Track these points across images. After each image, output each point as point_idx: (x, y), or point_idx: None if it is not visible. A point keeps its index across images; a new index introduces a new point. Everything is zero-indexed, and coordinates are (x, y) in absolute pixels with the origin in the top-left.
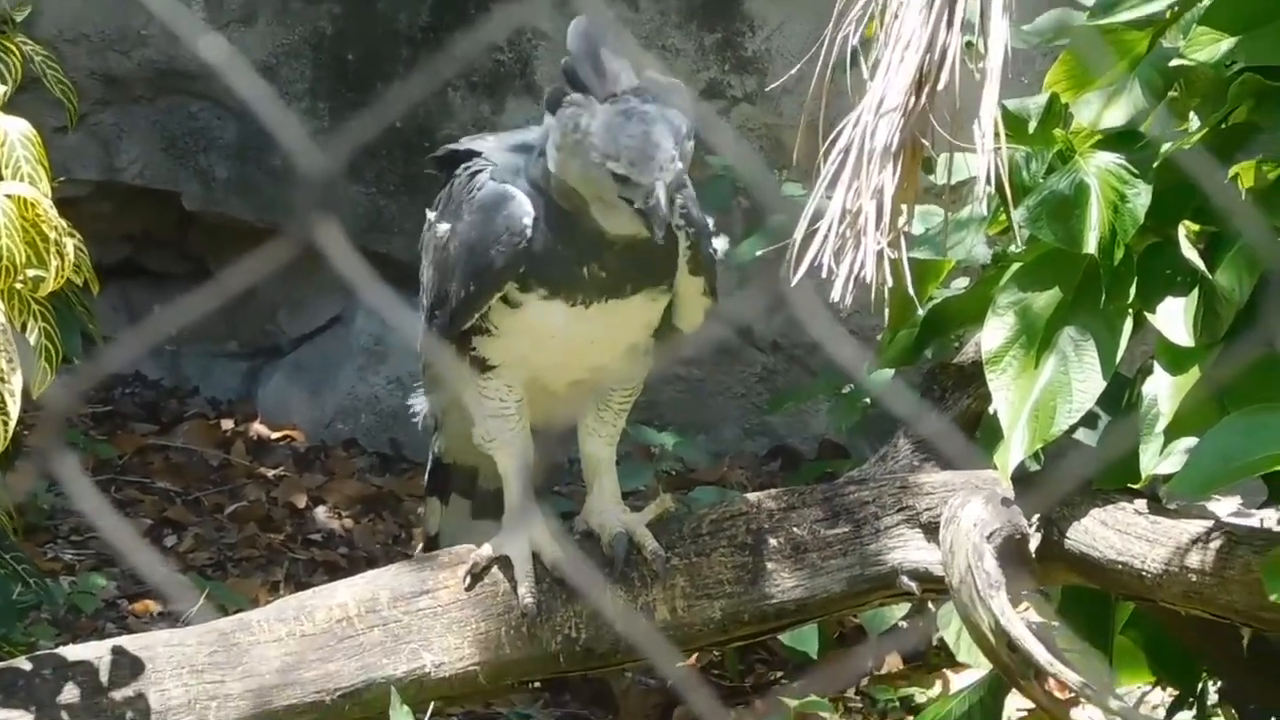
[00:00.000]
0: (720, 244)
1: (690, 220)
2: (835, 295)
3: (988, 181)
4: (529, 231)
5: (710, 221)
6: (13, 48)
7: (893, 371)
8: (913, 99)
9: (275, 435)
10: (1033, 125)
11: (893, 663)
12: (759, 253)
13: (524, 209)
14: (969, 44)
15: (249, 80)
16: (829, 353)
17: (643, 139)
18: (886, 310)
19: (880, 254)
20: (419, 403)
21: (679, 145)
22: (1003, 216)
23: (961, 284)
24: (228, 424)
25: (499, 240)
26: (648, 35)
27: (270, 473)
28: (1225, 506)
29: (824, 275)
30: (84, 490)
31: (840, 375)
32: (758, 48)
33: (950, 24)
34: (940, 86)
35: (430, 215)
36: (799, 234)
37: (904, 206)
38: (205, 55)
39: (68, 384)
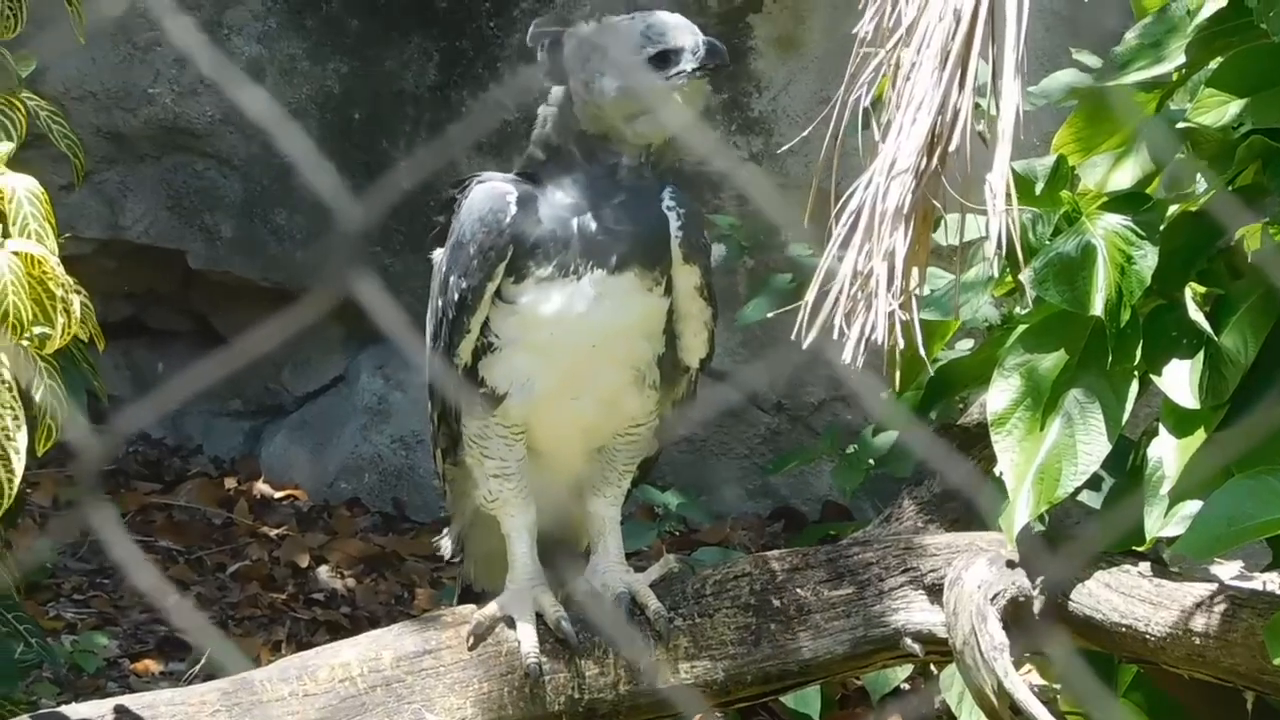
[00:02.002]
0: (716, 250)
1: (680, 203)
2: (846, 357)
3: (997, 244)
4: (512, 208)
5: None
6: (18, 104)
7: (896, 433)
8: (924, 160)
9: (278, 494)
10: (1040, 187)
11: None
12: (769, 315)
13: (505, 190)
14: (976, 105)
15: (287, 130)
16: (864, 405)
17: (658, 19)
18: (897, 371)
19: (892, 315)
20: (443, 542)
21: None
22: (1010, 278)
23: (966, 345)
24: (231, 483)
25: (484, 224)
26: None
27: (273, 532)
28: (1228, 570)
29: (835, 336)
30: (119, 540)
31: (843, 437)
32: (764, 108)
33: (962, 85)
34: (952, 148)
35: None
36: (810, 295)
37: (915, 268)
38: (245, 106)
39: (101, 438)
